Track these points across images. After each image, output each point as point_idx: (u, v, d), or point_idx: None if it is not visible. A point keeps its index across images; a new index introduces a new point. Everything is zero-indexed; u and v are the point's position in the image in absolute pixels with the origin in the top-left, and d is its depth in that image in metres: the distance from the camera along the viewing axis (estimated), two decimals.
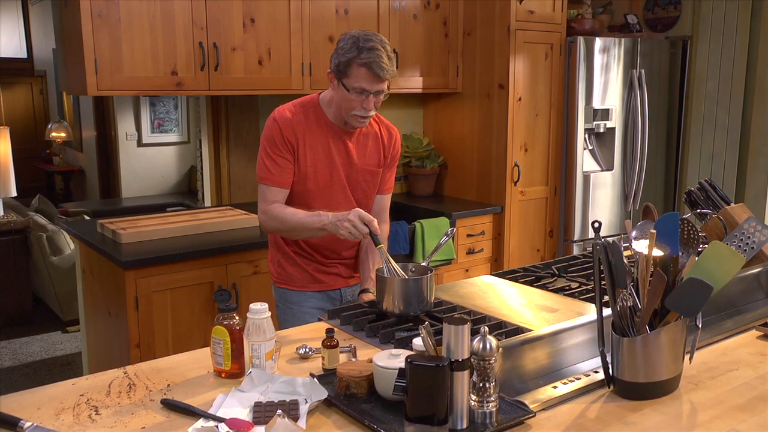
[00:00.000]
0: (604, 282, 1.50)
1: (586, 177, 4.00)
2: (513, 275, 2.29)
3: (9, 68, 9.37)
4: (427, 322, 1.57)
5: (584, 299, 2.00)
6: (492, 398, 1.31)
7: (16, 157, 5.38)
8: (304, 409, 1.35)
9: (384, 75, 2.00)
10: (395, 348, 1.55)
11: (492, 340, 1.31)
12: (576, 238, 4.02)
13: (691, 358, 1.55)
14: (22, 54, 9.63)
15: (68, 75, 3.19)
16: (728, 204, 2.36)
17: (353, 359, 1.63)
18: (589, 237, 4.03)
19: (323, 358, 1.58)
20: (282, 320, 2.27)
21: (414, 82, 3.80)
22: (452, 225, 3.57)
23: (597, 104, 3.95)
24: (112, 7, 2.85)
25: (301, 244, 2.23)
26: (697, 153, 4.35)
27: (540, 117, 3.89)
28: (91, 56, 2.82)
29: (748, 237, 2.07)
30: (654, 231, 1.47)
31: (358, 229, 1.92)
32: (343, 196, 2.20)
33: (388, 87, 2.09)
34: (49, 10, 8.07)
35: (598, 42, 3.90)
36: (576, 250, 3.98)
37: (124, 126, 7.63)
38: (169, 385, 1.51)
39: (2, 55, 9.34)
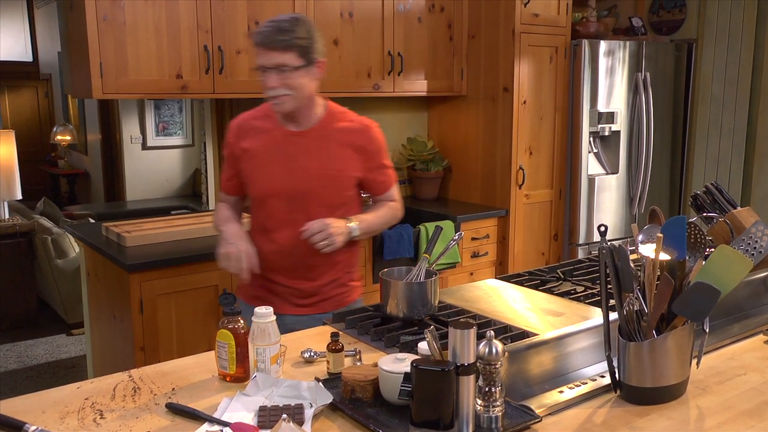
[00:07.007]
0: (610, 286, 1.49)
1: (591, 180, 3.99)
2: (518, 279, 2.29)
3: (14, 72, 9.40)
4: (432, 326, 1.57)
5: (590, 303, 1.99)
6: (498, 403, 1.30)
7: (21, 160, 5.39)
8: (309, 413, 1.35)
9: (268, 43, 1.87)
10: (400, 352, 1.55)
11: (498, 345, 1.30)
12: (581, 241, 4.01)
13: (698, 363, 1.54)
14: (28, 57, 9.66)
15: (73, 78, 3.19)
16: (735, 207, 2.35)
17: (358, 363, 1.62)
18: (594, 240, 4.02)
19: (328, 362, 1.58)
20: None
21: (418, 86, 3.80)
22: (457, 229, 3.57)
23: (602, 107, 3.95)
24: (118, 10, 2.86)
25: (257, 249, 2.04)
26: (702, 156, 4.33)
27: (545, 120, 3.89)
28: (96, 59, 2.82)
29: (756, 241, 2.06)
30: (661, 235, 1.46)
31: (230, 262, 1.94)
32: (294, 205, 2.01)
33: (307, 61, 1.90)
34: (55, 13, 8.10)
35: (603, 45, 3.89)
36: (581, 254, 3.97)
37: (129, 129, 7.64)
38: (173, 388, 1.51)
39: (8, 59, 9.37)
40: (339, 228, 1.94)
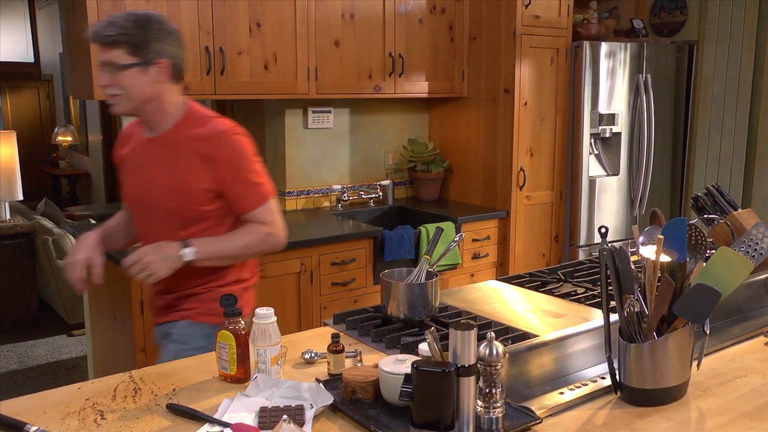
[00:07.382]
0: (610, 287, 1.49)
1: (592, 182, 3.99)
2: (519, 280, 2.29)
3: (16, 72, 9.41)
4: (432, 327, 1.57)
5: (590, 305, 1.99)
6: (498, 404, 1.31)
7: (22, 160, 5.40)
8: (309, 414, 1.35)
9: (95, 38, 1.75)
10: (401, 353, 1.55)
11: (498, 346, 1.30)
12: (582, 243, 4.01)
13: (698, 365, 1.54)
14: (29, 58, 9.66)
15: (75, 79, 3.19)
16: (735, 209, 2.34)
17: (359, 364, 1.62)
18: (595, 242, 4.02)
19: (329, 363, 1.58)
20: None
21: (419, 87, 3.80)
22: (458, 230, 3.57)
23: (603, 109, 3.95)
24: (119, 11, 2.85)
25: None
26: (703, 158, 4.33)
27: (546, 122, 3.89)
28: (97, 60, 2.82)
29: (757, 243, 2.05)
30: (662, 236, 1.46)
31: (68, 270, 1.78)
32: (147, 216, 1.90)
33: (140, 59, 1.76)
34: (56, 14, 8.11)
35: (604, 46, 3.89)
36: (581, 255, 3.97)
37: None
38: (174, 389, 1.51)
39: (9, 60, 9.38)
40: (162, 255, 1.74)
